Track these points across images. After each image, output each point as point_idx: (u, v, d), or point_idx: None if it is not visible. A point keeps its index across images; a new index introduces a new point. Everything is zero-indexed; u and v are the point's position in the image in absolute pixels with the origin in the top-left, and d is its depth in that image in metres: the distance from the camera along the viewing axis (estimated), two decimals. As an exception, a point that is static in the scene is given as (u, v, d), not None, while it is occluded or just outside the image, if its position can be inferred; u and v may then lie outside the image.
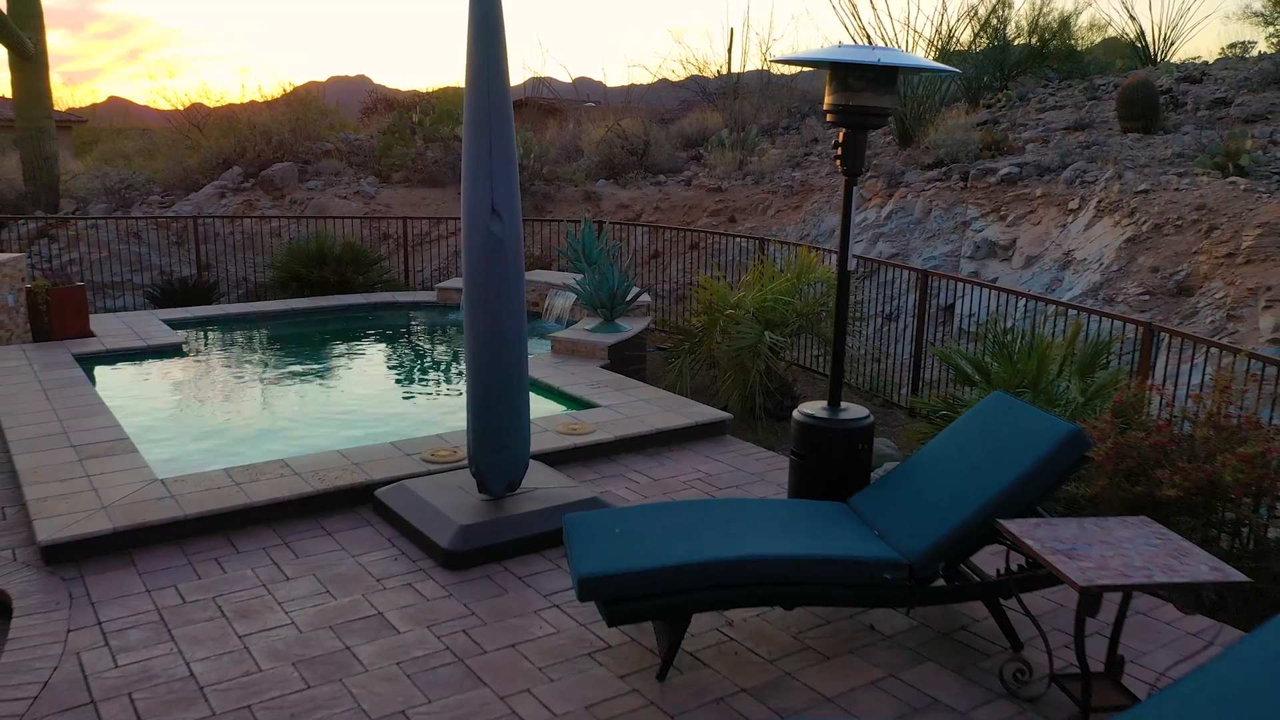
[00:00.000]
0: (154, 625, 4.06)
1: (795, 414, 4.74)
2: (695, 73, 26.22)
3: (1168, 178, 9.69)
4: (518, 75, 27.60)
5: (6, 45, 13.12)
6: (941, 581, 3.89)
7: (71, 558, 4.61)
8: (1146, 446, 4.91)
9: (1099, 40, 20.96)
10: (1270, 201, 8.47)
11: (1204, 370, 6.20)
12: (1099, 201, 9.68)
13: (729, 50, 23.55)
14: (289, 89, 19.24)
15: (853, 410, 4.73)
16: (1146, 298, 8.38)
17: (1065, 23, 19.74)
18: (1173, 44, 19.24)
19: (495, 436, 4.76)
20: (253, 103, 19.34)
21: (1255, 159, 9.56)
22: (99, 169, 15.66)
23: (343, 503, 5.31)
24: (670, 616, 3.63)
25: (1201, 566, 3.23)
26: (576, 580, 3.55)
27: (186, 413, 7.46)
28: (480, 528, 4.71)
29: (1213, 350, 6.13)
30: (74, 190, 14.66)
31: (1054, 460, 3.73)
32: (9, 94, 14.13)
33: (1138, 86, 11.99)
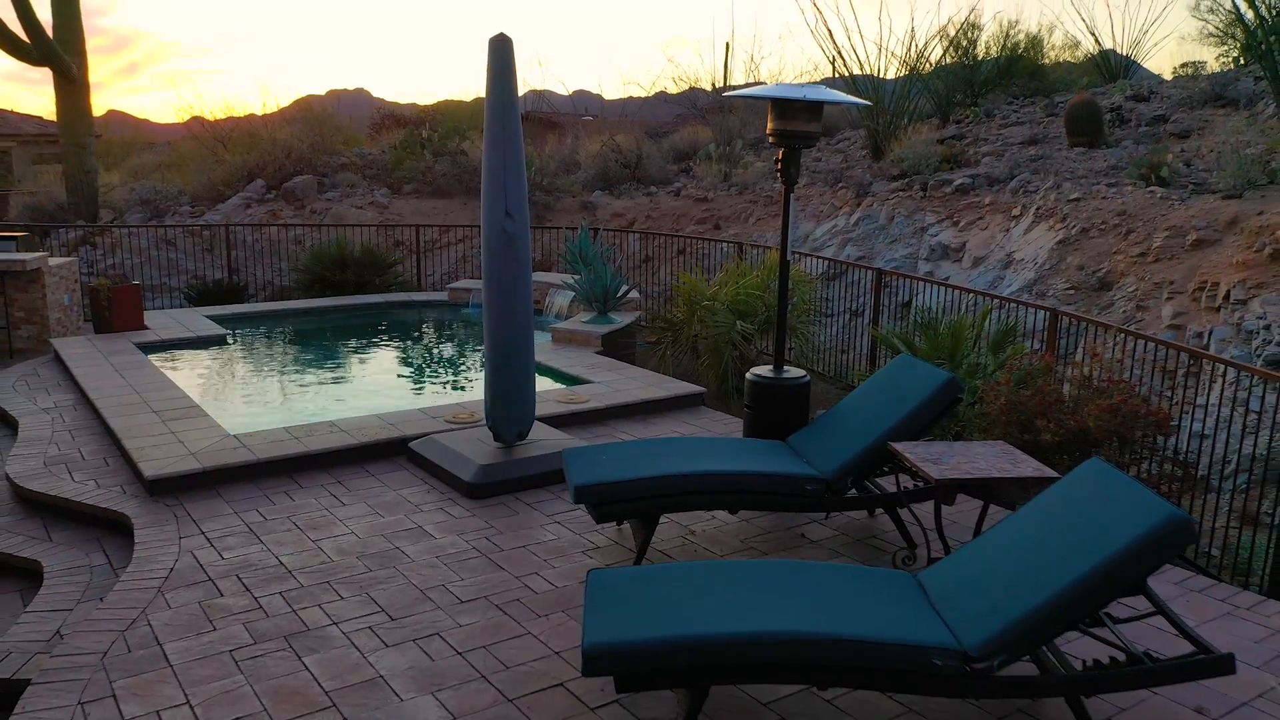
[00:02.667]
0: (245, 534, 5.25)
1: (748, 375, 5.94)
2: (690, 87, 27.49)
3: (1098, 187, 10.91)
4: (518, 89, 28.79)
5: (53, 69, 14.34)
6: (854, 493, 5.08)
7: (171, 490, 5.79)
8: (1032, 403, 6.11)
9: (1071, 59, 22.21)
10: (1179, 208, 9.68)
11: (1112, 347, 7.38)
12: (1038, 209, 10.90)
13: (726, 64, 24.80)
14: (298, 99, 20.56)
15: (792, 372, 5.93)
16: (1072, 292, 9.58)
17: (1034, 42, 20.96)
18: (1134, 63, 20.50)
19: (507, 393, 5.96)
20: (252, 116, 20.63)
21: (1175, 171, 10.77)
22: (132, 181, 16.87)
23: (383, 453, 6.50)
24: (643, 515, 4.81)
25: (1028, 469, 4.42)
26: (573, 488, 4.74)
27: (240, 389, 8.66)
28: (496, 467, 5.90)
29: (1118, 331, 7.34)
30: (112, 201, 15.87)
31: (934, 399, 4.92)
32: (38, 112, 15.34)
33: (1083, 105, 13.22)
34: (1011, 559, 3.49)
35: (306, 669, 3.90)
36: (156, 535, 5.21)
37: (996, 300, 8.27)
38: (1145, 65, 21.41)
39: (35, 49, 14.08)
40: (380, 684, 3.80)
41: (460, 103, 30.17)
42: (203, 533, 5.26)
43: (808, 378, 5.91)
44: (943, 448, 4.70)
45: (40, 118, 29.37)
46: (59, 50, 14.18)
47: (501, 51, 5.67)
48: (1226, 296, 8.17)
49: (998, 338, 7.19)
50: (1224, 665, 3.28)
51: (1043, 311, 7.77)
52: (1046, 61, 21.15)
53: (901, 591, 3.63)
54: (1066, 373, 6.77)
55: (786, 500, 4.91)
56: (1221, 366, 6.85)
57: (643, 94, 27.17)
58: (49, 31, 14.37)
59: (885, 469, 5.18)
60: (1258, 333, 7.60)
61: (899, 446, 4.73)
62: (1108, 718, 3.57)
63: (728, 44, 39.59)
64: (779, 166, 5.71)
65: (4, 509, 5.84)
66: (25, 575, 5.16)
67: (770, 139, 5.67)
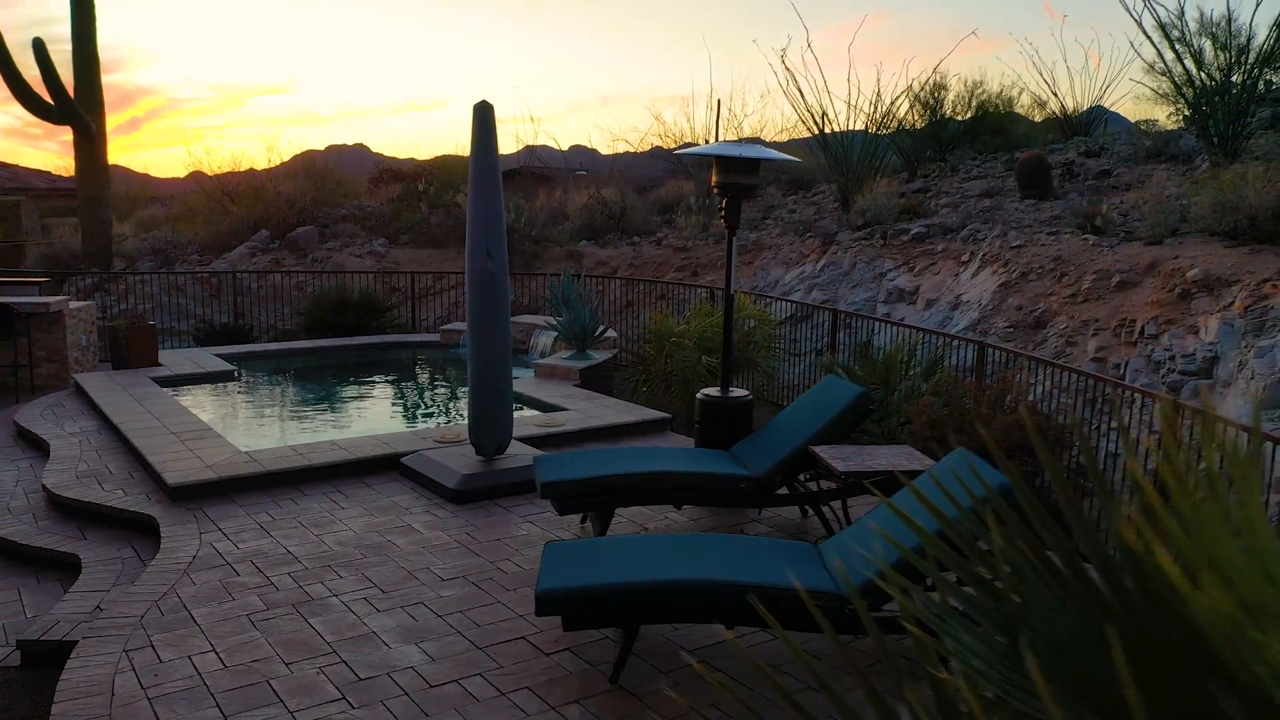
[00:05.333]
0: (257, 530, 6.04)
1: (698, 395, 6.79)
2: (684, 143, 28.62)
3: (1040, 235, 11.86)
4: (512, 146, 30.01)
5: (73, 127, 15.36)
6: (784, 490, 5.90)
7: (191, 497, 6.58)
8: (946, 419, 6.94)
9: (1039, 116, 23.38)
10: (1108, 254, 10.61)
11: (1041, 376, 8.22)
12: (984, 255, 11.84)
13: (716, 121, 25.98)
14: (299, 154, 21.69)
15: (736, 392, 6.77)
16: (1011, 330, 10.47)
17: (1006, 101, 22.09)
18: (1093, 121, 21.66)
19: (488, 410, 6.79)
20: (251, 170, 21.70)
21: (1109, 220, 11.73)
22: (143, 232, 17.83)
23: (377, 467, 7.30)
24: (600, 508, 5.61)
25: (918, 464, 5.25)
26: (539, 485, 5.55)
27: (248, 416, 9.47)
28: (477, 476, 6.70)
29: (1028, 359, 8.20)
30: (124, 250, 16.80)
31: (849, 410, 5.77)
32: (42, 165, 16.27)
33: (1031, 160, 14.25)
34: (886, 527, 4.30)
35: (312, 627, 4.68)
36: (180, 531, 5.99)
37: (941, 338, 9.14)
38: (1120, 113, 22.52)
39: (57, 108, 15.10)
40: (373, 638, 4.58)
41: (458, 158, 31.37)
42: (220, 529, 6.05)
43: (750, 397, 6.75)
44: (852, 449, 5.52)
45: (49, 172, 30.42)
46: (80, 110, 15.20)
47: (484, 116, 6.60)
48: (1141, 332, 9.05)
49: (928, 366, 8.05)
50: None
51: (974, 346, 8.64)
52: (1020, 117, 22.32)
53: (801, 555, 4.43)
54: (984, 395, 7.61)
55: (723, 496, 5.72)
56: (1128, 391, 7.70)
57: (632, 149, 28.27)
58: (70, 92, 15.39)
59: (815, 471, 5.99)
60: (1164, 363, 8.47)
61: (817, 449, 5.55)
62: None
63: (719, 101, 40.99)
64: (722, 214, 6.61)
65: (42, 514, 6.62)
66: (63, 568, 5.92)
67: (715, 190, 6.57)
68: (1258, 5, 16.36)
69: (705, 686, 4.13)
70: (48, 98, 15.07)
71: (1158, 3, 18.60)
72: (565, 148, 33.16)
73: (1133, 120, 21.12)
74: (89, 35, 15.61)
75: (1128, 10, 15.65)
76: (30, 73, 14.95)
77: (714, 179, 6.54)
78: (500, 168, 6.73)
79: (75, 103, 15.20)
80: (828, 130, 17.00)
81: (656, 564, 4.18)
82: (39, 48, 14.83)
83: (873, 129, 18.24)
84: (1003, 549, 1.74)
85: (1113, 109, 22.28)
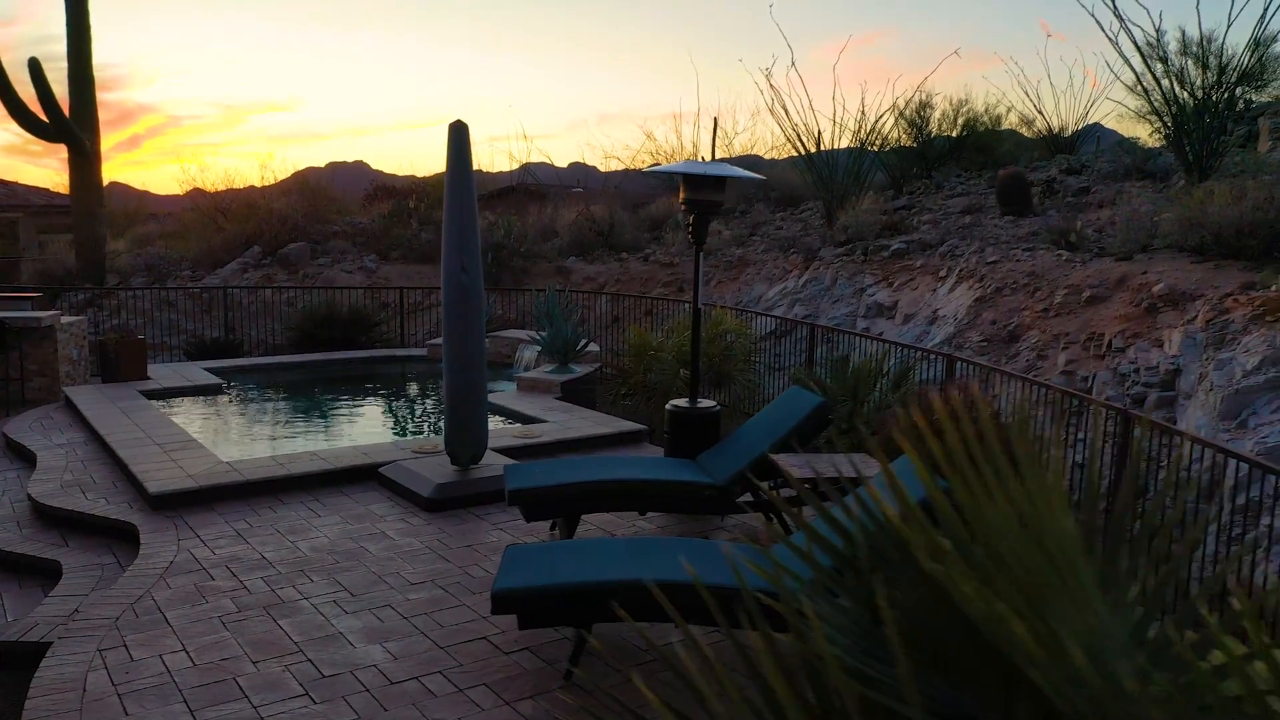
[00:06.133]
0: (234, 537, 6.20)
1: (667, 406, 6.96)
2: (685, 159, 28.86)
3: (1015, 251, 12.07)
4: (507, 164, 30.28)
5: (68, 145, 15.59)
6: (748, 497, 6.07)
7: (172, 505, 6.74)
8: (911, 429, 7.11)
9: (1028, 135, 23.61)
10: (1080, 269, 10.81)
11: (1009, 387, 8.41)
12: (960, 270, 12.04)
13: (713, 139, 26.19)
14: (297, 171, 21.94)
15: (704, 403, 6.94)
16: (985, 343, 10.65)
17: (994, 119, 22.31)
18: (1079, 138, 21.93)
19: (462, 422, 6.96)
20: (251, 187, 21.92)
21: (1084, 236, 11.94)
22: (137, 248, 18.03)
23: (356, 477, 7.45)
24: (566, 515, 5.78)
25: (873, 470, 5.41)
26: (507, 492, 5.71)
27: (233, 428, 9.63)
28: (451, 486, 6.87)
29: (990, 370, 8.39)
30: (118, 266, 17.01)
31: (809, 419, 5.94)
32: (40, 182, 16.47)
33: (1011, 178, 14.48)
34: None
35: (281, 628, 4.83)
36: (159, 538, 6.15)
37: (914, 351, 9.33)
38: (1114, 129, 22.73)
39: (53, 127, 15.34)
40: (339, 638, 4.74)
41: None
42: (198, 536, 6.21)
43: (718, 408, 6.93)
44: (810, 457, 5.70)
45: (47, 189, 30.64)
46: (75, 128, 15.43)
47: (459, 135, 6.80)
48: (1109, 345, 9.24)
49: (896, 378, 8.23)
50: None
51: (944, 359, 8.82)
52: (1007, 134, 22.55)
53: (749, 558, 4.59)
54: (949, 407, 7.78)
55: (686, 503, 5.89)
56: (1088, 404, 7.88)
57: (625, 167, 28.53)
58: (65, 110, 15.63)
59: (778, 479, 6.15)
60: (1129, 375, 8.65)
61: (777, 457, 5.72)
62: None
63: (714, 120, 41.34)
64: (690, 231, 6.80)
65: (26, 522, 6.78)
66: (45, 574, 6.07)
67: (683, 207, 6.77)
68: (1229, 26, 16.64)
69: (659, 684, 4.28)
70: (43, 116, 15.31)
71: (1133, 23, 18.87)
72: (564, 165, 33.39)
73: (1125, 136, 21.34)
74: (85, 54, 15.86)
75: (1104, 30, 15.87)
76: (26, 91, 15.22)
77: (682, 195, 6.74)
78: (475, 184, 6.92)
79: (70, 121, 15.44)
80: (813, 149, 17.24)
81: (605, 565, 4.34)
82: (34, 67, 15.08)
83: (856, 146, 18.49)
84: (870, 537, 1.92)
85: (1105, 125, 22.53)
